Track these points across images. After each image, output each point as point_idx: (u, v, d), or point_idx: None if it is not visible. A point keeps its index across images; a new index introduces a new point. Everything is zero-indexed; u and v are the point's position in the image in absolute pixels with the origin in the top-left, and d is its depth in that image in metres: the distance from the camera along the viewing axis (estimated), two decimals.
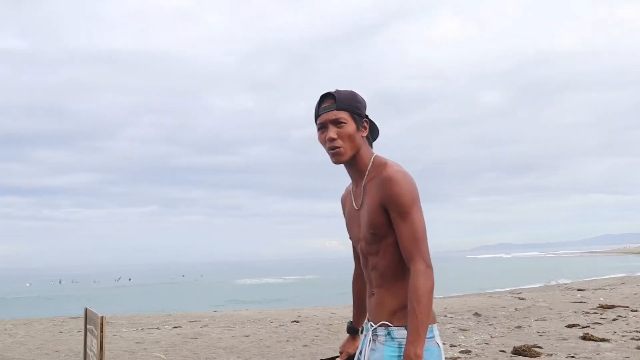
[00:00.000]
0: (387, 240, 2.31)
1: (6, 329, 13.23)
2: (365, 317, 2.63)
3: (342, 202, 2.64)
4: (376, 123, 2.47)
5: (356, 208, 2.45)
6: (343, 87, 2.39)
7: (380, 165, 2.35)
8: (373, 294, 2.43)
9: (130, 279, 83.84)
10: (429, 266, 2.21)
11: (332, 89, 2.40)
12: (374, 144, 2.50)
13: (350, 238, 2.58)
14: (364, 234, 2.40)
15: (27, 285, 75.29)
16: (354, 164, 2.41)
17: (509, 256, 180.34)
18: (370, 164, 2.39)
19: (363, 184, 2.40)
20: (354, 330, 2.76)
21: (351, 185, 2.53)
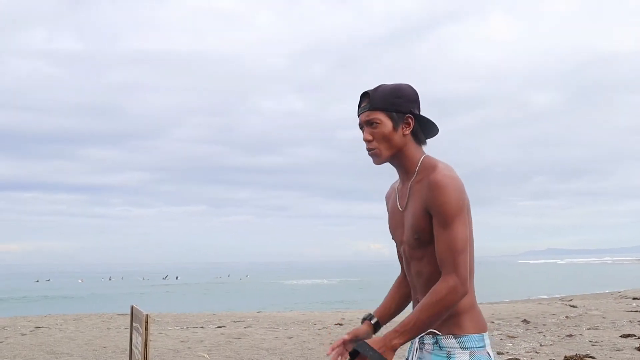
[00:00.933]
0: (432, 246, 2.16)
1: (57, 324, 13.57)
2: (390, 314, 2.51)
3: (386, 199, 2.50)
4: (431, 119, 2.30)
5: (400, 209, 2.32)
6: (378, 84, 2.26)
7: (430, 167, 2.20)
8: (418, 301, 2.29)
9: (177, 277, 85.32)
10: (462, 283, 2.07)
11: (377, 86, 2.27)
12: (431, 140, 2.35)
13: (393, 239, 2.44)
14: (407, 238, 2.26)
15: (79, 281, 77.44)
16: (399, 164, 2.29)
17: (562, 262, 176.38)
18: (419, 164, 2.25)
19: (410, 184, 2.27)
20: (370, 317, 2.48)
21: (397, 183, 2.40)
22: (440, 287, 2.08)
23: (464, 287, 2.08)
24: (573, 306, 17.44)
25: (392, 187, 2.47)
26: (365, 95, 2.26)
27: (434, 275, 2.18)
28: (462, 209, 2.13)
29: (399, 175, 2.36)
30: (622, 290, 31.95)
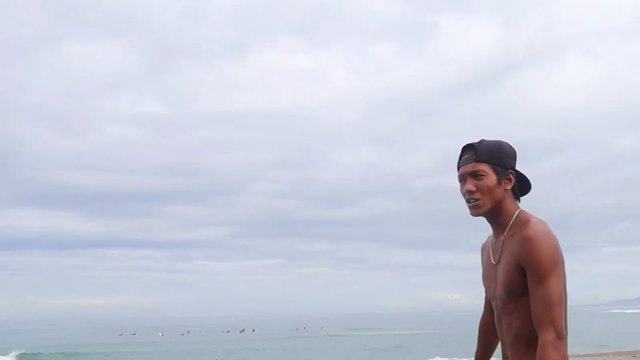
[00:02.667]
0: (524, 300, 2.18)
1: None
2: (491, 353, 2.54)
3: (481, 250, 2.53)
4: (527, 176, 2.36)
5: (493, 262, 2.35)
6: (466, 137, 2.31)
7: (524, 222, 2.23)
8: (507, 357, 2.32)
9: (254, 330, 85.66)
10: (560, 337, 2.07)
11: (464, 138, 2.40)
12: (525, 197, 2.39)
13: (485, 291, 2.47)
14: (499, 292, 2.28)
15: (160, 334, 78.95)
16: (495, 217, 2.32)
17: None
18: (514, 218, 2.28)
19: (503, 238, 2.29)
20: None
21: (492, 237, 2.42)
22: (542, 349, 2.08)
23: (562, 340, 2.09)
24: None
25: (488, 239, 2.49)
26: (470, 148, 2.31)
27: (523, 330, 2.21)
28: (556, 264, 2.14)
29: (493, 229, 2.38)
30: None
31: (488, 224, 2.40)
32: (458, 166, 2.34)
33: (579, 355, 22.30)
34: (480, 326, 2.64)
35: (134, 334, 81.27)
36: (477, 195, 2.26)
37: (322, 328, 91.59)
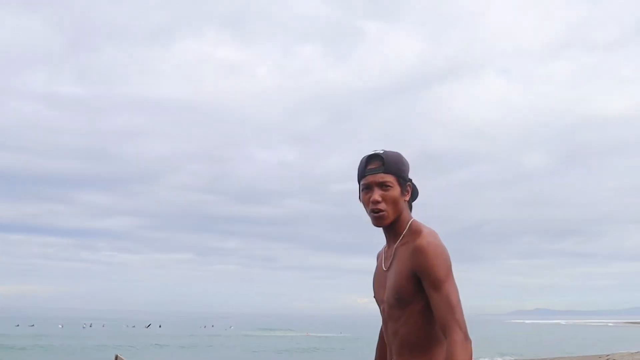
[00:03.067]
0: (411, 307, 2.27)
1: None
2: None
3: (377, 258, 2.58)
4: (417, 185, 2.44)
5: (384, 269, 2.41)
6: (385, 143, 2.34)
7: (416, 232, 2.31)
8: None
9: (160, 326, 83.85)
10: (467, 337, 2.15)
11: (377, 148, 2.37)
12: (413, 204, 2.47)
13: (374, 297, 2.52)
14: (388, 297, 2.35)
15: (60, 326, 75.96)
16: (392, 227, 2.38)
17: (550, 322, 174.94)
18: (407, 228, 2.35)
19: (395, 246, 2.36)
20: None
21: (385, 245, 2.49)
22: (452, 350, 2.12)
23: (469, 339, 2.16)
24: None
25: (383, 247, 2.54)
26: (377, 157, 2.34)
27: (408, 336, 2.29)
28: (449, 269, 2.24)
29: (386, 237, 2.44)
30: (609, 353, 31.71)
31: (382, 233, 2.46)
32: (363, 174, 2.36)
33: None
34: (380, 334, 2.69)
35: (32, 325, 77.71)
36: (382, 206, 2.31)
37: (230, 327, 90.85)
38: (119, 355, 4.88)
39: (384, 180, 2.30)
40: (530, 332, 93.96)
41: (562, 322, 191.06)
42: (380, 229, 2.42)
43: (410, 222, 2.36)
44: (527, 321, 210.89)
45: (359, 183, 2.37)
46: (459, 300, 2.21)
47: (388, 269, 2.38)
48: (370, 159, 2.35)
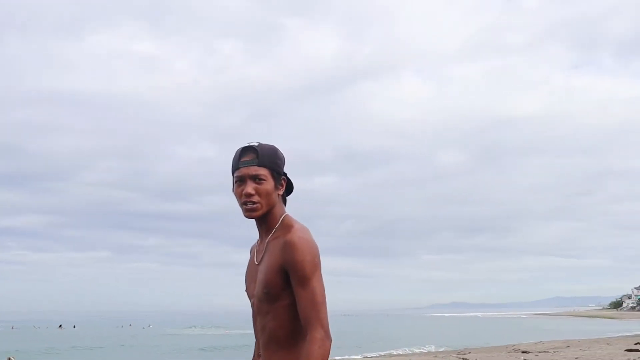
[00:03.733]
0: (279, 302, 2.27)
1: None
2: None
3: (250, 251, 2.56)
4: (292, 180, 2.44)
5: (256, 263, 2.41)
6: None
7: (287, 226, 2.32)
8: (259, 356, 2.39)
9: (74, 326, 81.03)
10: (327, 334, 2.17)
11: (253, 142, 2.35)
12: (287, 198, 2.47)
13: (245, 291, 2.50)
14: (257, 292, 2.34)
15: None
16: (264, 221, 2.37)
17: (467, 315, 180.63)
18: (279, 222, 2.35)
19: (267, 240, 2.36)
20: None
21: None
22: (310, 345, 2.15)
23: (329, 337, 2.18)
24: (465, 359, 17.99)
25: (256, 241, 2.52)
26: (251, 150, 2.32)
27: (276, 331, 2.29)
28: (317, 266, 2.24)
29: (259, 231, 2.43)
30: (515, 343, 33.22)
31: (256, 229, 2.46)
32: (237, 167, 2.35)
33: (391, 355, 23.71)
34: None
35: None
36: (256, 198, 2.30)
37: (149, 325, 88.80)
38: (11, 358, 4.74)
39: (258, 173, 2.29)
40: (450, 324, 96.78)
41: (479, 314, 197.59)
42: (254, 223, 2.42)
43: (282, 217, 2.35)
44: (445, 314, 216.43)
45: (233, 175, 2.37)
46: (324, 298, 2.22)
47: (259, 262, 2.37)
48: (244, 151, 2.33)
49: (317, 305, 2.19)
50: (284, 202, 2.43)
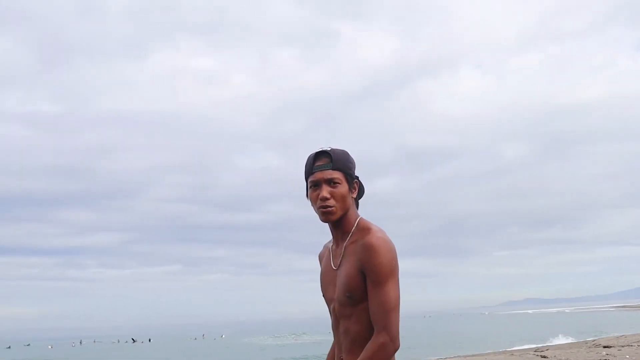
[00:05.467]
0: (362, 304, 2.29)
1: None
2: None
3: (319, 258, 2.61)
4: (363, 183, 2.47)
5: (334, 268, 2.43)
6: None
7: (364, 229, 2.35)
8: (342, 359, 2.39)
9: (150, 340, 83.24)
10: (392, 340, 2.18)
11: (325, 147, 2.39)
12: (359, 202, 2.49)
13: (323, 296, 2.52)
14: (338, 296, 2.37)
15: (49, 347, 75.04)
16: (340, 224, 2.40)
17: (531, 312, 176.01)
18: (355, 226, 2.38)
19: (344, 244, 2.39)
20: None
21: (331, 243, 2.51)
22: (371, 345, 2.19)
23: (394, 344, 2.19)
24: (544, 357, 17.41)
25: (325, 247, 2.58)
26: (325, 154, 2.37)
27: (361, 335, 2.29)
28: (394, 270, 2.25)
29: (334, 235, 2.47)
30: (595, 338, 32.01)
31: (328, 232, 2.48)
32: (311, 171, 2.38)
33: (465, 356, 23.23)
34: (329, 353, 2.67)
35: (29, 345, 76.62)
36: (332, 202, 2.34)
37: (222, 336, 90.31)
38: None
39: (332, 177, 2.33)
40: (526, 320, 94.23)
41: (567, 309, 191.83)
42: (320, 228, 2.45)
43: (358, 220, 2.39)
44: (527, 310, 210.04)
45: (307, 180, 2.40)
46: (396, 304, 2.22)
47: (338, 267, 2.40)
48: (318, 155, 2.38)
49: (388, 310, 2.21)
50: (357, 205, 2.47)
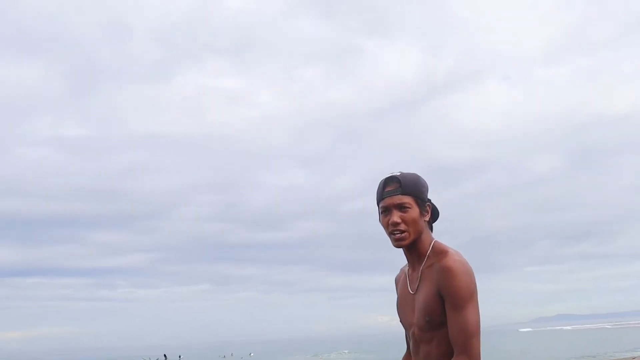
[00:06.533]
0: (442, 328, 2.26)
1: None
2: None
3: (395, 282, 2.59)
4: (437, 206, 2.46)
5: (411, 292, 2.41)
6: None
7: (441, 252, 2.32)
8: None
9: (180, 357, 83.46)
10: None
11: (394, 170, 2.39)
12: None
13: (400, 321, 2.51)
14: (418, 320, 2.34)
15: None
16: (414, 248, 2.38)
17: (570, 328, 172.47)
18: (430, 249, 2.36)
19: (421, 268, 2.36)
20: None
21: (407, 267, 2.49)
22: None
23: None
24: None
25: (402, 271, 2.56)
26: (394, 180, 2.36)
27: (441, 358, 2.27)
28: (473, 292, 2.24)
29: (409, 259, 2.44)
30: (636, 355, 31.29)
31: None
32: (381, 197, 2.37)
33: None
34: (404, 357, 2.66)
35: None
36: (403, 227, 2.33)
37: (250, 354, 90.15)
38: None
39: (402, 202, 2.32)
40: (536, 341, 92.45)
41: (608, 325, 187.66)
42: (402, 252, 2.43)
43: (432, 243, 2.37)
44: (566, 327, 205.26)
45: (378, 206, 2.39)
46: (477, 327, 2.20)
47: (415, 291, 2.37)
48: (387, 181, 2.37)
49: (469, 333, 2.18)
50: (431, 228, 2.44)
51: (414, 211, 2.33)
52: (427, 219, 2.38)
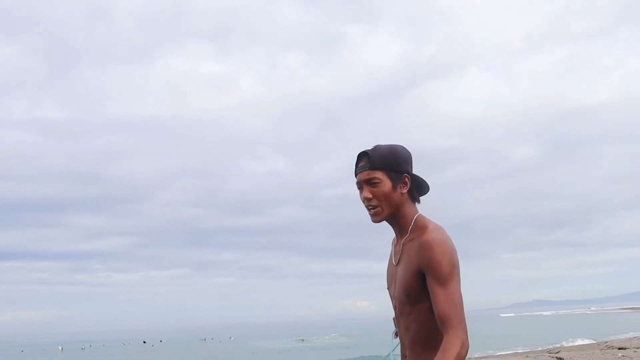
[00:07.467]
0: (420, 304, 2.25)
1: None
2: None
3: (392, 244, 2.52)
4: (423, 177, 2.40)
5: (394, 263, 2.40)
6: (373, 145, 2.34)
7: (422, 227, 2.29)
8: (405, 357, 2.39)
9: (161, 341, 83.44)
10: (467, 337, 2.14)
11: (368, 147, 2.35)
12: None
13: (387, 289, 2.51)
14: (398, 294, 2.34)
15: (59, 349, 75.33)
16: (395, 222, 2.36)
17: (548, 313, 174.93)
18: (412, 223, 2.33)
19: (403, 242, 2.35)
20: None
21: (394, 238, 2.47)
22: (454, 341, 2.10)
23: (467, 339, 2.14)
24: (559, 358, 17.36)
25: (393, 239, 2.51)
26: (364, 155, 2.33)
27: (420, 333, 2.28)
28: (455, 267, 2.21)
29: (395, 231, 2.42)
30: (608, 340, 31.84)
31: (391, 228, 2.43)
32: (355, 174, 2.36)
33: (477, 358, 23.13)
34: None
35: (22, 351, 76.85)
36: (374, 202, 2.31)
37: (230, 338, 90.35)
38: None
39: (370, 177, 2.29)
40: (537, 323, 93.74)
41: (577, 311, 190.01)
42: (381, 231, 2.42)
43: (415, 217, 2.34)
44: (513, 314, 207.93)
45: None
46: (461, 299, 2.18)
47: (397, 263, 2.37)
48: (359, 157, 2.35)
49: (456, 305, 2.15)
50: (416, 201, 2.39)
51: (385, 185, 2.29)
52: (404, 191, 2.33)
